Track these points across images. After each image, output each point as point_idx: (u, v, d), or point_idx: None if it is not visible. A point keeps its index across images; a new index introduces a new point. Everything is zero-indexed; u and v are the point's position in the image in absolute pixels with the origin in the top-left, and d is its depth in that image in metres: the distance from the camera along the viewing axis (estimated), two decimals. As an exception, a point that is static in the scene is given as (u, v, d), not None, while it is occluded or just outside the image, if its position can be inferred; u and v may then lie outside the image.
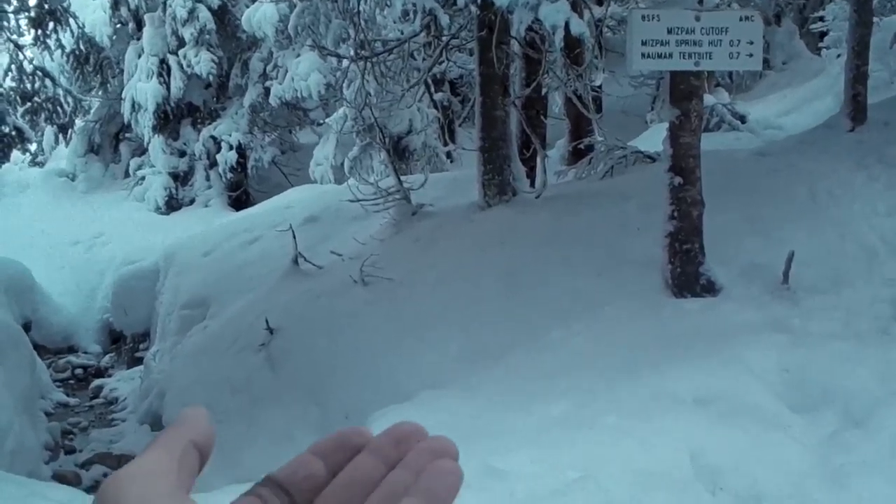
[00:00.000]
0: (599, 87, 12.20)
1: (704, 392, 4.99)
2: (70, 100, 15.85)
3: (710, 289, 6.49)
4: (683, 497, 4.13)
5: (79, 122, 19.28)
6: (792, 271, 6.34)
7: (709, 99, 11.50)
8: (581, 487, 4.01)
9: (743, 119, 12.09)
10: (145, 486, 0.51)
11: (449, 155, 15.11)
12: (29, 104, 15.23)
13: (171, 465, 0.52)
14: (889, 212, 6.99)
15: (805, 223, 7.02)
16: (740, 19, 6.29)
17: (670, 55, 6.21)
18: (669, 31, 6.17)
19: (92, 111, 20.38)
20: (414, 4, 8.20)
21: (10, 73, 14.95)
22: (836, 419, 4.75)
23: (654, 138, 10.19)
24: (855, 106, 8.25)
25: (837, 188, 7.37)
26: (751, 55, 6.29)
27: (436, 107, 14.45)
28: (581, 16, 8.14)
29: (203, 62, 17.66)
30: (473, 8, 8.17)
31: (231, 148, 18.18)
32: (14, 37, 14.68)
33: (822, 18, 13.83)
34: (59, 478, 7.64)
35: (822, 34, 14.28)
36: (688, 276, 6.52)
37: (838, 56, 11.97)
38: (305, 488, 0.56)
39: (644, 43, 6.19)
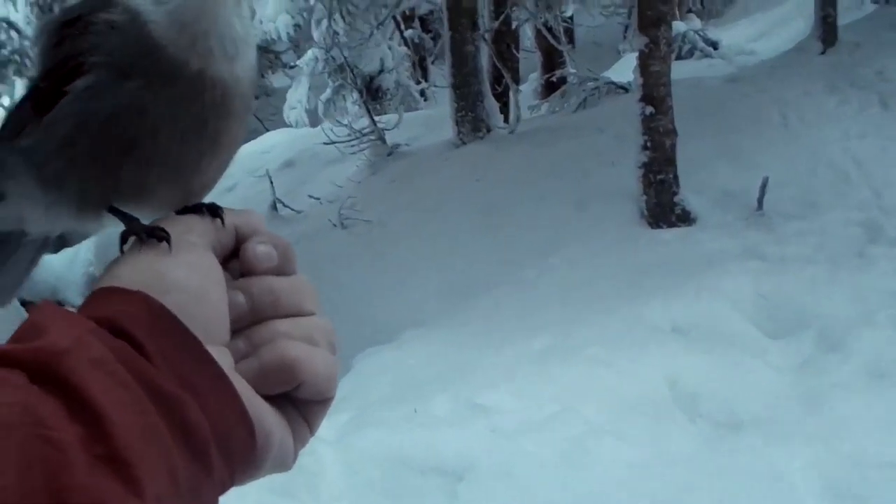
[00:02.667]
0: (570, 17, 12.08)
1: (682, 321, 5.06)
2: (35, 51, 15.55)
3: (686, 218, 6.53)
4: (663, 424, 4.21)
5: (46, 74, 18.90)
6: (766, 197, 6.39)
7: (680, 26, 11.42)
8: (562, 419, 4.08)
9: (715, 45, 12.02)
10: (181, 231, 0.68)
11: (423, 93, 14.95)
12: (-6, 57, 14.91)
13: (208, 228, 0.70)
14: (861, 134, 7.02)
15: (778, 148, 7.05)
16: (709, -56, 6.22)
17: (638, -18, 6.15)
18: (637, -42, 6.10)
19: (59, 62, 19.98)
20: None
21: (-29, 26, 14.60)
22: (811, 343, 4.83)
23: (626, 68, 10.11)
24: (825, 28, 8.22)
25: (809, 112, 7.38)
26: (720, -19, 6.23)
27: (407, 44, 14.25)
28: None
29: (168, 8, 17.27)
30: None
31: (202, 94, 17.91)
32: (-27, -12, 14.33)
33: (792, -61, 13.68)
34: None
35: (794, -45, 14.14)
36: (663, 206, 6.55)
37: (809, -23, 11.88)
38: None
39: (613, -28, 6.12)
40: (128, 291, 0.61)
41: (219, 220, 0.72)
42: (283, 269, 0.71)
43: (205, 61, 0.72)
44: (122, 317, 0.59)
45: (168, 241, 0.66)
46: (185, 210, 0.75)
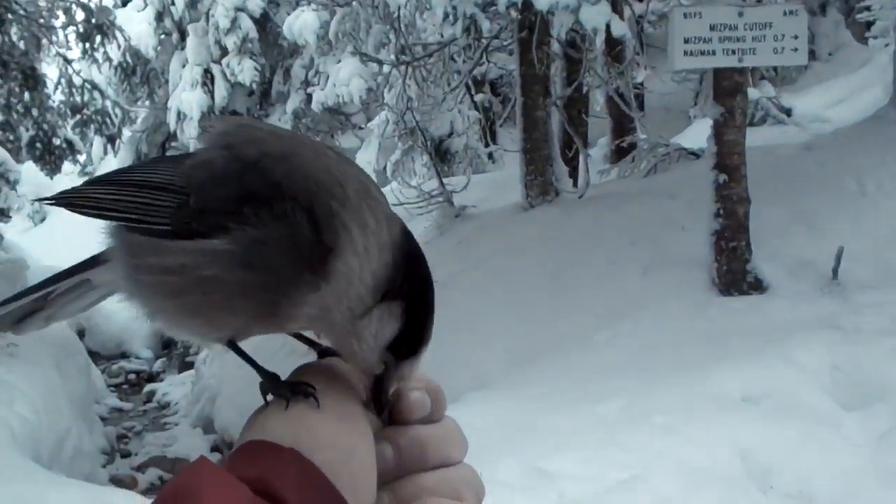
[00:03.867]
0: (641, 83, 12.12)
1: (753, 390, 4.96)
2: (118, 111, 16.16)
3: (758, 286, 6.44)
4: (734, 496, 4.12)
5: (126, 133, 19.61)
6: (841, 267, 6.27)
7: (753, 93, 11.37)
8: (630, 488, 4.01)
9: (789, 112, 11.94)
10: (327, 380, 0.68)
11: (491, 156, 15.11)
12: (78, 116, 15.54)
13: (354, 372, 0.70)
14: (941, 204, 6.88)
15: (854, 217, 6.93)
16: (784, 14, 6.23)
17: (713, 52, 6.17)
18: (712, 28, 6.14)
19: (139, 121, 20.73)
20: (455, 8, 8.23)
21: (60, 87, 15.26)
22: (889, 417, 4.68)
23: (697, 134, 10.10)
24: (903, 97, 8.13)
25: (887, 181, 7.25)
26: (796, 49, 6.23)
27: (476, 108, 14.46)
28: (622, 15, 8.12)
29: (246, 70, 17.87)
30: (514, 12, 8.18)
31: (275, 154, 18.36)
32: (63, 51, 15.01)
33: (868, 7, 13.58)
34: (116, 481, 7.80)
35: (869, 23, 14.02)
36: (734, 274, 6.47)
37: (886, 45, 11.77)
38: None
39: (686, 41, 6.16)
40: (279, 448, 0.61)
41: None
42: (432, 416, 0.70)
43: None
44: (273, 477, 0.59)
45: (316, 398, 0.66)
46: (327, 352, 0.75)
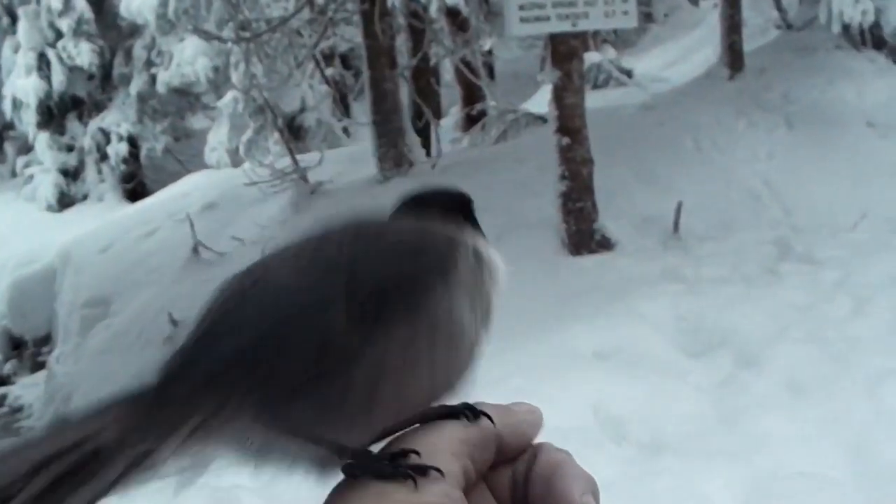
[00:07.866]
0: (489, 51, 12.25)
1: (604, 346, 5.12)
2: (-56, 101, 15.20)
3: (606, 244, 6.63)
4: (589, 450, 4.23)
5: (-43, 124, 18.50)
6: (682, 221, 6.54)
7: (595, 56, 11.68)
8: (489, 452, 4.07)
9: (629, 74, 12.33)
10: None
11: (345, 130, 14.99)
12: None
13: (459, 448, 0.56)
14: (770, 155, 7.25)
15: (692, 173, 7.23)
16: (613, -22, 6.38)
17: (548, 18, 6.27)
18: (545, -6, 6.23)
19: (-29, 111, 19.55)
20: (293, -19, 8.06)
21: None
22: (730, 361, 4.93)
23: (545, 99, 10.28)
24: (732, 55, 8.50)
25: (720, 136, 7.60)
26: (626, 12, 6.41)
27: (328, 83, 14.28)
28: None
29: (84, 53, 17.07)
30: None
31: (121, 139, 17.66)
32: None
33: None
34: (-34, 495, 7.39)
35: (700, -15, 14.64)
36: (582, 233, 6.64)
37: (715, 6, 12.29)
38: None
39: (521, 7, 6.23)
40: None
41: (487, 422, 0.60)
42: None
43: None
44: None
45: (414, 479, 0.54)
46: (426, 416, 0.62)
